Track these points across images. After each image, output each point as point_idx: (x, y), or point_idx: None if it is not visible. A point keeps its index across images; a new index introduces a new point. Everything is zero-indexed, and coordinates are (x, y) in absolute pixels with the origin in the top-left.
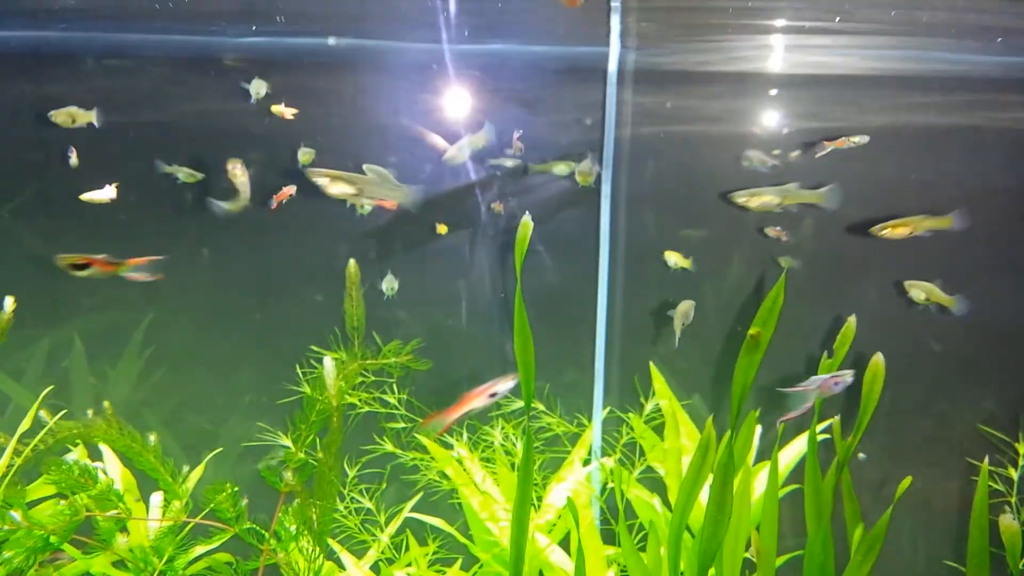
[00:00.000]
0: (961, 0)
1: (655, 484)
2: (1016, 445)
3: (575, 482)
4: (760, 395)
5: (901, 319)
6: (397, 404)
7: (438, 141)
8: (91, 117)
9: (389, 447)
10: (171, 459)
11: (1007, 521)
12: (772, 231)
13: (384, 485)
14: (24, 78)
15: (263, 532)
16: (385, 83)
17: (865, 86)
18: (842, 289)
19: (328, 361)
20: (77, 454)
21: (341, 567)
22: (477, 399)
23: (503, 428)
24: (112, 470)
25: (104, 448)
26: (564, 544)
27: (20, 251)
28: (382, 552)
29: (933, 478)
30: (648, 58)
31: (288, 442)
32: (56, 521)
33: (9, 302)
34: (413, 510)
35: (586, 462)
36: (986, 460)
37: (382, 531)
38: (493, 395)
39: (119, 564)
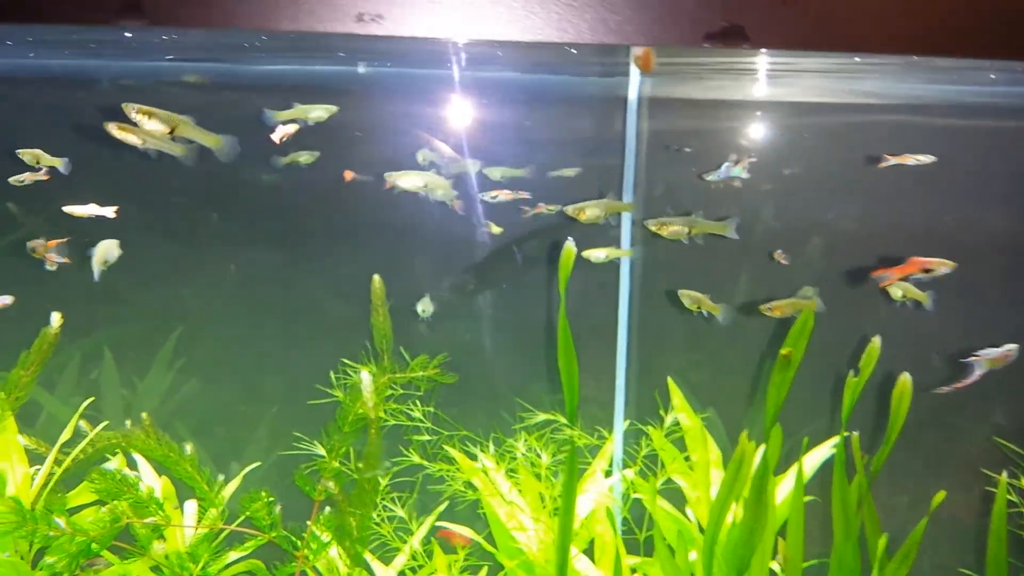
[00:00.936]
0: None
1: (669, 494)
2: None
3: (598, 493)
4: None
5: (909, 332)
6: (423, 417)
7: (442, 147)
8: (58, 163)
9: (416, 458)
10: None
11: None
12: (777, 255)
13: (415, 495)
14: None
15: (297, 539)
16: (407, 109)
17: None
18: (851, 305)
19: (365, 375)
20: (117, 463)
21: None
22: None
23: (526, 440)
24: (148, 479)
25: (139, 458)
26: (587, 552)
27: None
28: (413, 558)
29: (944, 489)
30: (664, 86)
31: (321, 451)
32: (97, 527)
33: (56, 317)
34: (439, 519)
35: (607, 473)
36: (1004, 473)
37: (412, 538)
38: None
39: (155, 569)
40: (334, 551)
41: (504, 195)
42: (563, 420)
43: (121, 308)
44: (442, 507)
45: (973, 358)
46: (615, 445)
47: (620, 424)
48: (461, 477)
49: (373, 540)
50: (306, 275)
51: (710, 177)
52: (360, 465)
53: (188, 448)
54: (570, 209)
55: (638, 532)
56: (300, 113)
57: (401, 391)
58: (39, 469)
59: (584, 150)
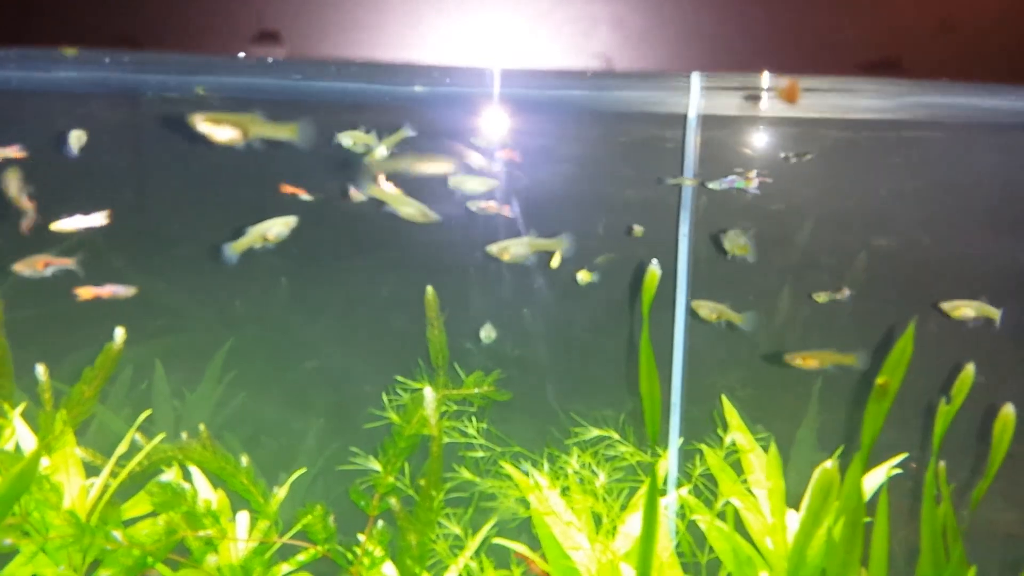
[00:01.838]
0: None
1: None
2: None
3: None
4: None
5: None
6: (476, 433)
7: (475, 157)
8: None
9: (468, 475)
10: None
11: None
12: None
13: (471, 511)
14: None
15: (351, 553)
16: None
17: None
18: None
19: (428, 392)
20: (172, 475)
21: None
22: None
23: (579, 457)
24: (203, 490)
25: (194, 469)
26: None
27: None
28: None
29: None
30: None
31: (371, 465)
32: (151, 540)
33: (120, 333)
34: (489, 534)
35: (662, 493)
36: None
37: (463, 554)
38: None
39: None
40: (386, 566)
41: (490, 207)
42: (615, 436)
43: (172, 319)
44: (491, 522)
45: None
46: (669, 464)
47: (675, 442)
48: (513, 494)
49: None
50: (357, 288)
51: (712, 185)
52: (421, 483)
53: (244, 460)
54: (494, 248)
55: (699, 555)
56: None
57: (455, 407)
58: (94, 481)
59: (640, 167)
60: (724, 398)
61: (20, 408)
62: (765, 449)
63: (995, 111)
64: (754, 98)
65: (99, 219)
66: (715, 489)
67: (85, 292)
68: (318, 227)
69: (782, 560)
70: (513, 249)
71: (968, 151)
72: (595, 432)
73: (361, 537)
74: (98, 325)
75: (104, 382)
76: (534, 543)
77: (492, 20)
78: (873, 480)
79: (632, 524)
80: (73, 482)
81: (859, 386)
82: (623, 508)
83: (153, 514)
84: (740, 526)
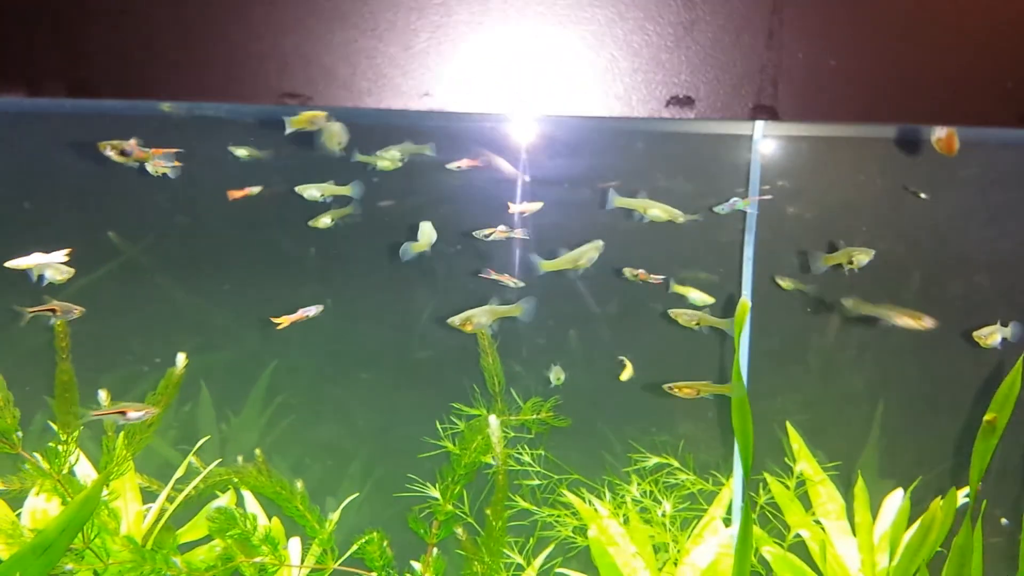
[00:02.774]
0: None
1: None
2: None
3: (719, 544)
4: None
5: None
6: (532, 461)
7: (503, 164)
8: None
9: (526, 504)
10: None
11: None
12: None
13: (533, 541)
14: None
15: None
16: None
17: None
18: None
19: (493, 419)
20: (227, 500)
21: None
22: None
23: (639, 484)
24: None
25: (246, 494)
26: None
27: (149, 294)
28: None
29: None
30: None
31: (418, 491)
32: (207, 566)
33: (181, 358)
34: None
35: (726, 522)
36: None
37: None
38: None
39: None
40: None
41: (499, 233)
42: (675, 464)
43: (215, 339)
44: (548, 549)
45: None
46: (735, 492)
47: (739, 470)
48: (571, 522)
49: None
50: (404, 311)
51: (717, 209)
52: (487, 511)
53: (299, 485)
54: (455, 320)
55: None
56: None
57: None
58: (150, 506)
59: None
60: (789, 425)
61: (74, 433)
62: (833, 479)
63: None
64: None
65: (58, 257)
66: (779, 518)
67: (284, 320)
68: (366, 249)
69: None
70: (475, 319)
71: None
72: (654, 459)
73: (415, 564)
74: (143, 346)
75: (167, 407)
76: (592, 572)
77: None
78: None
79: (698, 555)
80: (130, 507)
81: (921, 410)
82: (684, 538)
83: (206, 540)
84: (806, 557)
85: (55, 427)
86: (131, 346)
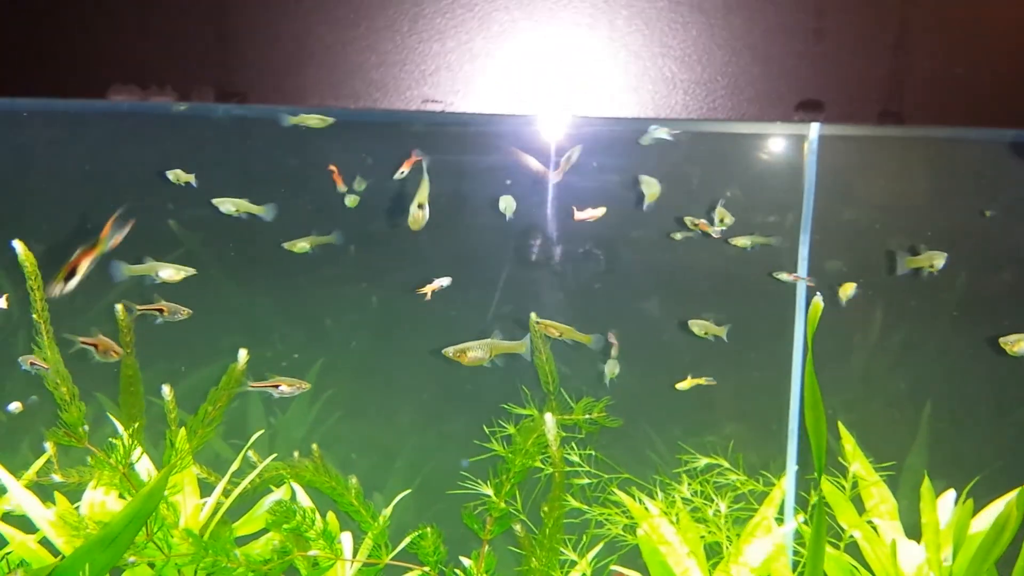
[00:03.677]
0: None
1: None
2: None
3: (773, 543)
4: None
5: None
6: (581, 461)
7: (532, 163)
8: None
9: (576, 503)
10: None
11: None
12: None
13: (587, 539)
14: None
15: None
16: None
17: None
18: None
19: (550, 418)
20: (282, 494)
21: None
22: None
23: (690, 485)
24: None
25: (297, 488)
26: None
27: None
28: None
29: None
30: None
31: (488, 489)
32: (262, 559)
33: (243, 354)
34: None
35: (779, 521)
36: None
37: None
38: None
39: None
40: None
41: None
42: (724, 464)
43: (264, 336)
44: (597, 548)
45: None
46: (788, 492)
47: (792, 470)
48: (620, 520)
49: None
50: (450, 309)
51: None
52: (545, 509)
53: (353, 480)
54: (450, 352)
55: None
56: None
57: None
58: (206, 500)
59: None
60: (841, 425)
61: (134, 427)
62: (885, 480)
63: None
64: None
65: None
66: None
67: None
68: (415, 247)
69: None
70: (471, 352)
71: None
72: (704, 460)
73: (465, 560)
74: (192, 340)
75: (228, 402)
76: (642, 571)
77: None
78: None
79: (751, 554)
80: (188, 501)
81: (970, 411)
82: (735, 537)
83: (259, 534)
84: (858, 557)
85: (115, 420)
86: (179, 340)
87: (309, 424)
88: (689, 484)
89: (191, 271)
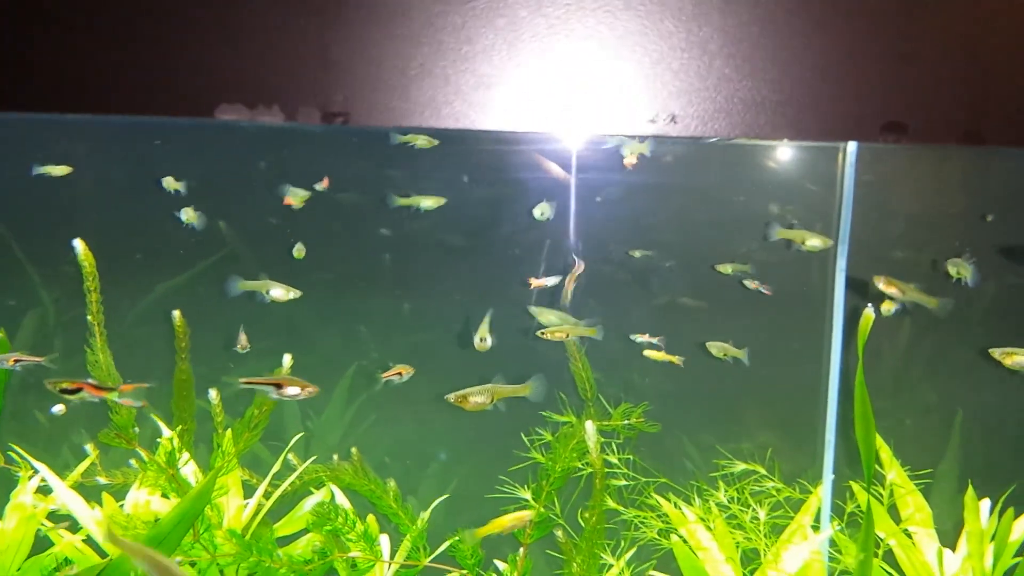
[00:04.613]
0: None
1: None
2: None
3: (809, 551)
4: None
5: None
6: (618, 463)
7: (553, 168)
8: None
9: (615, 505)
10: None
11: None
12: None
13: (624, 544)
14: None
15: None
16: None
17: None
18: None
19: (590, 425)
20: (321, 496)
21: None
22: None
23: (727, 491)
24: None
25: (336, 490)
26: None
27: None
28: None
29: None
30: None
31: (526, 494)
32: (303, 559)
33: (287, 359)
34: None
35: (815, 529)
36: None
37: None
38: None
39: None
40: None
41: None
42: (762, 471)
43: (298, 341)
44: (630, 553)
45: None
46: (824, 500)
47: (829, 478)
48: (655, 524)
49: None
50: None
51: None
52: (585, 515)
53: (391, 483)
54: (451, 397)
55: None
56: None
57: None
58: (248, 501)
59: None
60: (876, 435)
61: (190, 429)
62: (919, 488)
63: None
64: None
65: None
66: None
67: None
68: (447, 256)
69: None
70: (473, 398)
71: None
72: (741, 465)
73: (499, 564)
74: (228, 344)
75: (274, 407)
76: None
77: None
78: None
79: (788, 560)
80: (232, 502)
81: (1001, 418)
82: (770, 544)
83: (299, 535)
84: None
85: (162, 424)
86: (216, 343)
87: (344, 428)
88: (725, 490)
89: (298, 293)
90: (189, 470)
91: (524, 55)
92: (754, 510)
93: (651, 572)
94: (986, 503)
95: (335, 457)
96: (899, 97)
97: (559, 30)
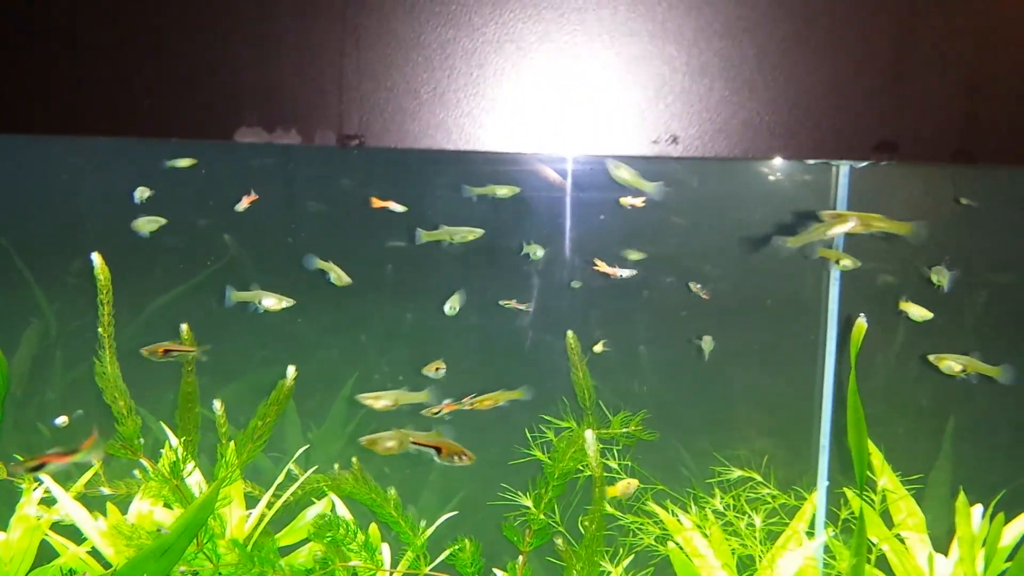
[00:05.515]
0: None
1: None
2: None
3: (804, 557)
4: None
5: None
6: (619, 470)
7: (553, 175)
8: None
9: (613, 511)
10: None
11: None
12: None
13: (623, 551)
14: None
15: None
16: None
17: None
18: None
19: (590, 434)
20: (323, 506)
21: None
22: None
23: (722, 498)
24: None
25: (336, 500)
26: None
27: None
28: None
29: None
30: None
31: (527, 501)
32: (305, 569)
33: (291, 371)
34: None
35: (809, 535)
36: None
37: None
38: None
39: None
40: None
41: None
42: (758, 478)
43: (299, 351)
44: (627, 560)
45: None
46: (819, 506)
47: (824, 484)
48: (652, 531)
49: None
50: (486, 326)
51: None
52: (585, 523)
53: (392, 492)
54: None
55: None
56: (254, 297)
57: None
58: (251, 512)
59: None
60: (868, 442)
61: (194, 440)
62: (911, 494)
63: None
64: None
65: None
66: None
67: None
68: (451, 265)
69: None
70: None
71: None
72: (737, 472)
73: (498, 572)
74: (227, 353)
75: (277, 418)
76: None
77: None
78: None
79: (784, 566)
80: (234, 512)
81: (992, 426)
82: (766, 550)
83: (300, 544)
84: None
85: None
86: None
87: (344, 439)
88: (721, 497)
89: (291, 302)
90: (193, 480)
91: (532, 79)
92: (750, 516)
93: None
94: (978, 508)
95: (336, 466)
96: (890, 117)
97: (567, 55)
